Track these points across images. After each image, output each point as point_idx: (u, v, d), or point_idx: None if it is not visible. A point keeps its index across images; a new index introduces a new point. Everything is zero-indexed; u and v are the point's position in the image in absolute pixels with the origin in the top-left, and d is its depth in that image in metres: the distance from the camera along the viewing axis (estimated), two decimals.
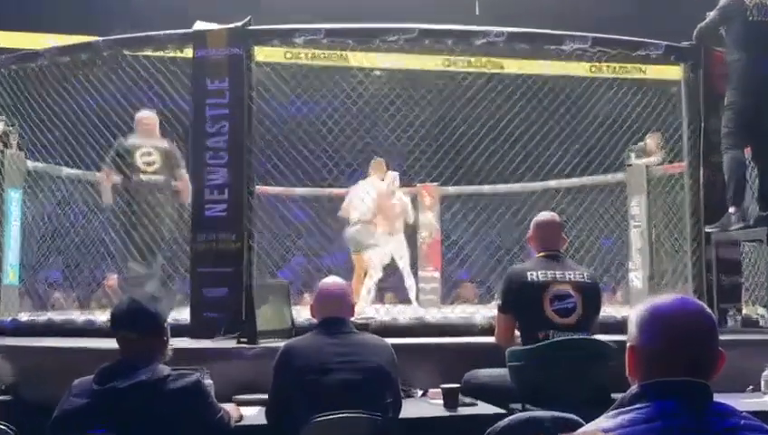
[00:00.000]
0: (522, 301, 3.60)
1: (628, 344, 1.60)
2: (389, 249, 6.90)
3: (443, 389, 3.52)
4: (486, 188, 8.74)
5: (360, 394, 2.93)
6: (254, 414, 3.39)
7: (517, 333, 3.71)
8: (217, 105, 4.84)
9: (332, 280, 3.30)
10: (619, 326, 4.67)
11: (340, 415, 2.78)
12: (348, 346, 3.05)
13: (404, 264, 7.21)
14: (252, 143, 4.89)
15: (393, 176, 6.88)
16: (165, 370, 2.65)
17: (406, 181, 7.78)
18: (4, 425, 2.73)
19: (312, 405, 2.85)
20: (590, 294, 3.62)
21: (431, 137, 6.49)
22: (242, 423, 3.16)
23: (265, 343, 4.22)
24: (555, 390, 3.27)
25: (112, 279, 8.36)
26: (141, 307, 2.68)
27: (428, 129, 6.48)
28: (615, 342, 3.36)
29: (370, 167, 7.02)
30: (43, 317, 5.63)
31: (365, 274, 6.66)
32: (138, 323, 2.67)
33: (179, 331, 4.50)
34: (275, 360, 3.09)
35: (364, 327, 4.39)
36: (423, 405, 3.66)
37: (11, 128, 6.36)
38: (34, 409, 3.88)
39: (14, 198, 6.72)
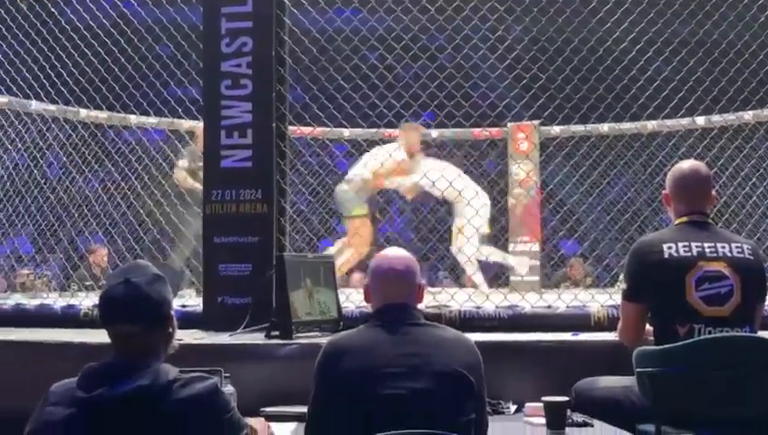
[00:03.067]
0: (656, 284, 3.56)
1: None
2: None
3: (545, 403, 3.51)
4: (606, 128, 8.62)
5: (433, 408, 2.94)
6: (288, 433, 3.44)
7: (649, 328, 3.67)
8: (237, 15, 4.87)
9: (394, 252, 3.28)
10: None
11: None
12: (416, 344, 3.05)
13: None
14: (285, 68, 4.90)
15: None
16: (171, 372, 2.69)
17: (494, 120, 7.74)
18: None
19: (367, 422, 2.87)
20: (753, 275, 3.56)
21: (530, 57, 6.41)
22: None
23: (303, 339, 4.27)
24: (703, 407, 3.23)
25: (100, 252, 8.57)
26: (142, 292, 2.72)
27: (526, 45, 6.39)
28: None
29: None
30: (8, 302, 5.81)
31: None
32: (139, 314, 2.71)
33: (188, 321, 4.62)
34: (317, 361, 3.12)
35: (436, 318, 4.42)
36: (518, 425, 3.67)
37: None
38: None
39: None
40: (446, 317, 4.65)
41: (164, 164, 7.70)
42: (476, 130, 9.02)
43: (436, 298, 5.18)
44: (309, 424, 3.17)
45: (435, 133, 9.12)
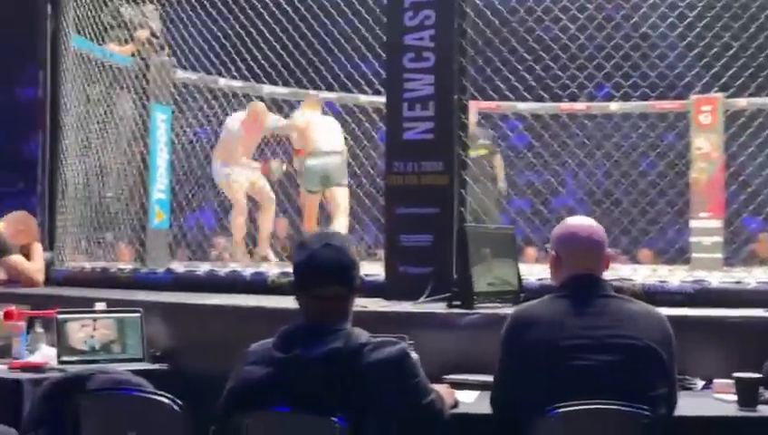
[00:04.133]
0: None
1: None
2: None
3: (737, 379, 3.41)
4: None
5: (621, 382, 2.91)
6: (471, 401, 3.47)
7: None
8: None
9: (582, 221, 3.24)
10: None
11: (594, 406, 2.78)
12: (605, 316, 3.00)
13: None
14: (467, 40, 4.90)
15: None
16: (362, 335, 2.78)
17: (680, 92, 7.48)
18: (169, 397, 3.00)
19: (554, 393, 2.86)
20: None
21: (720, 25, 6.14)
22: (457, 411, 3.24)
23: (484, 309, 4.28)
24: None
25: (281, 223, 8.85)
26: (346, 256, 2.81)
27: (717, 13, 6.13)
28: None
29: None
30: (201, 269, 6.09)
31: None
32: (345, 277, 2.80)
33: (371, 290, 4.69)
34: (503, 332, 3.13)
35: (618, 291, 4.34)
36: (706, 400, 3.57)
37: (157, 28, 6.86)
38: (196, 379, 4.25)
39: (162, 117, 7.24)
40: (628, 291, 4.56)
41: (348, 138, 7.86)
42: (657, 103, 8.78)
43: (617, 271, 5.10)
44: (495, 393, 3.18)
45: (614, 106, 8.93)
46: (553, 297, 3.14)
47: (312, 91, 7.94)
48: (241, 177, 7.55)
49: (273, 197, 7.89)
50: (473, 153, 7.77)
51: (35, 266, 6.15)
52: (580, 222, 3.24)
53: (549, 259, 3.29)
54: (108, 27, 7.17)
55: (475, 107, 8.13)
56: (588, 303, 3.04)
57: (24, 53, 7.26)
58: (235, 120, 7.64)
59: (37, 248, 6.28)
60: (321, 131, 7.49)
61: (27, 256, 6.13)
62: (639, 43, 5.95)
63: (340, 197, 7.53)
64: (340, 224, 7.40)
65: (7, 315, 4.66)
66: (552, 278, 3.30)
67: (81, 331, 4.50)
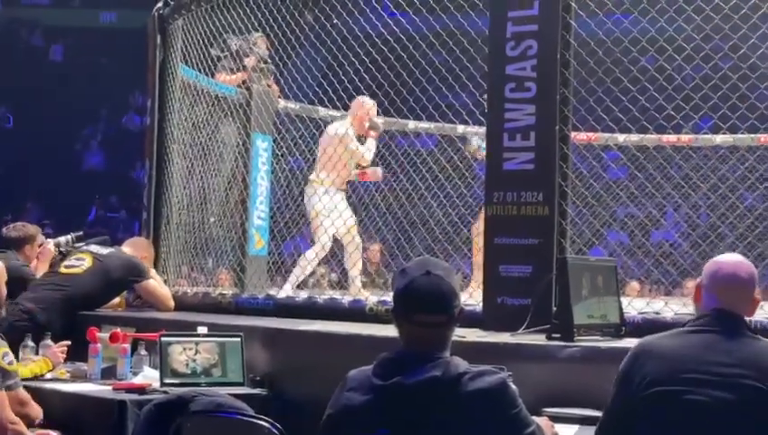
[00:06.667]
0: None
1: None
2: None
3: None
4: None
5: (735, 422, 2.86)
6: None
7: None
8: (524, 19, 4.88)
9: (732, 257, 3.20)
10: None
11: None
12: (732, 354, 2.94)
13: None
14: (569, 71, 4.87)
15: None
16: (461, 364, 2.78)
17: None
18: (269, 421, 3.06)
19: (668, 426, 2.85)
20: None
21: None
22: None
23: (584, 342, 4.25)
24: None
25: (374, 249, 8.91)
26: (446, 284, 2.83)
27: None
28: None
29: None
30: (300, 296, 6.18)
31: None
32: (444, 305, 2.82)
33: (468, 320, 4.67)
34: (626, 359, 3.09)
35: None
36: None
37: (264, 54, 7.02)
38: (294, 404, 4.32)
39: (262, 147, 7.39)
40: None
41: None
42: (764, 136, 8.59)
43: None
44: (603, 427, 3.14)
45: (719, 139, 8.78)
46: (687, 330, 3.09)
47: None
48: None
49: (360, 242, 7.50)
50: None
51: (167, 292, 6.34)
52: (729, 257, 3.21)
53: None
54: (216, 58, 7.34)
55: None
56: (719, 338, 2.98)
57: (133, 83, 7.51)
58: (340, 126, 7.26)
59: (156, 274, 6.47)
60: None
61: None
62: (748, 74, 5.82)
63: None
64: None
65: (113, 338, 4.81)
66: (694, 306, 3.27)
67: (183, 354, 4.61)
